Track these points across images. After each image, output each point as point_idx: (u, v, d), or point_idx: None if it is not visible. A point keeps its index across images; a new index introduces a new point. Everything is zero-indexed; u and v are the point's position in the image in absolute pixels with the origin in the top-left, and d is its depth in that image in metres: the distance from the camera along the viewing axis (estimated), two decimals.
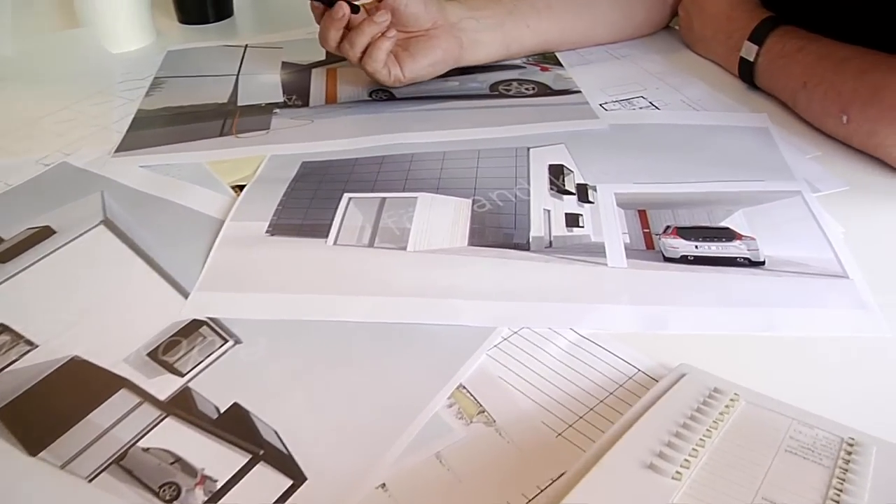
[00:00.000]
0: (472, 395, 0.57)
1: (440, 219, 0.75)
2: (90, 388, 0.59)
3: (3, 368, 0.60)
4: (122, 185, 0.83)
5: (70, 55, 1.13)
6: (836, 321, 0.62)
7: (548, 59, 1.07)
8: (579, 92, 0.98)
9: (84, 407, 0.57)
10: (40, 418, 0.56)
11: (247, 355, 0.61)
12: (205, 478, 0.52)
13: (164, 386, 0.58)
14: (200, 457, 0.53)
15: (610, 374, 0.58)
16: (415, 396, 0.57)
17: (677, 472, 0.44)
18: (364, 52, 0.91)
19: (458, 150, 0.86)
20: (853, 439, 0.48)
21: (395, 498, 0.50)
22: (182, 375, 0.59)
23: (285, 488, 0.51)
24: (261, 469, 0.52)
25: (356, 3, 0.90)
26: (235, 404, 0.57)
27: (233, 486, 0.51)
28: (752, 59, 0.93)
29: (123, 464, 0.53)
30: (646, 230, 0.73)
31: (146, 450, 0.54)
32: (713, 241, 0.71)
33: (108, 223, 0.76)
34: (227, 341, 0.62)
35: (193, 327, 0.64)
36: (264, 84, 1.04)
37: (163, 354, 0.61)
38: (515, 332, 0.62)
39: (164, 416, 0.56)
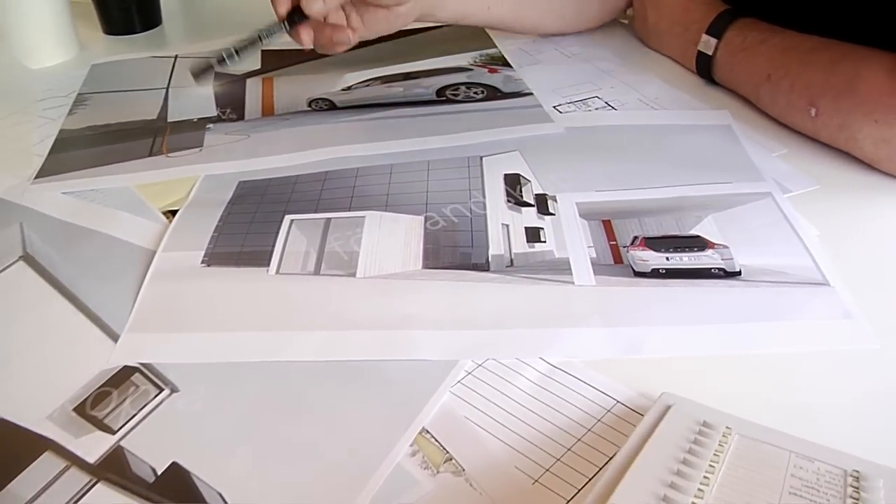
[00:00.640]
0: (436, 440, 0.52)
1: (391, 240, 0.69)
2: (9, 452, 0.52)
3: None
4: (43, 214, 0.77)
5: None
6: (821, 334, 0.59)
7: (496, 59, 1.02)
8: (531, 94, 0.93)
9: (2, 475, 0.51)
10: None
11: (185, 405, 0.55)
12: None
13: (93, 446, 0.52)
14: None
15: (586, 408, 0.54)
16: (373, 445, 0.51)
17: None
18: None
19: (406, 163, 0.80)
20: (857, 472, 0.45)
21: None
22: (113, 433, 0.53)
23: None
24: None
25: None
26: (174, 464, 0.51)
27: None
28: (710, 53, 0.89)
29: None
30: (612, 242, 0.68)
31: None
32: (684, 251, 0.66)
33: (27, 259, 0.70)
34: (162, 390, 0.56)
35: (124, 375, 0.57)
36: (196, 97, 0.98)
37: (91, 409, 0.55)
38: (480, 365, 0.57)
39: (94, 481, 0.50)
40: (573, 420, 0.53)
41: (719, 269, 0.65)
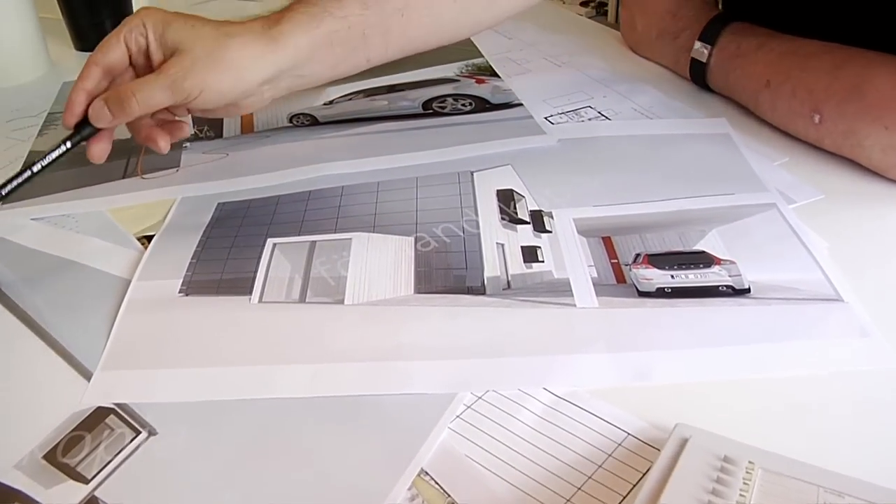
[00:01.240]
0: (436, 482, 0.48)
1: (380, 263, 0.66)
2: None
3: None
4: (10, 242, 0.73)
5: None
6: (838, 354, 0.55)
7: (482, 69, 0.99)
8: (521, 105, 0.90)
9: None
10: None
11: (164, 449, 0.51)
12: None
13: (65, 497, 0.49)
14: None
15: (596, 442, 0.50)
16: (368, 490, 0.48)
17: None
18: None
19: (393, 179, 0.77)
20: None
21: None
22: (87, 481, 0.49)
23: None
24: None
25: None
26: None
27: None
28: (704, 60, 0.86)
29: None
30: (614, 260, 0.65)
31: None
32: (690, 268, 0.63)
33: None
34: (139, 433, 0.52)
35: (98, 417, 0.54)
36: None
37: (63, 456, 0.51)
38: (480, 398, 0.53)
39: None
40: (582, 456, 0.49)
41: (727, 286, 0.62)
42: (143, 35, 0.66)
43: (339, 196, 0.75)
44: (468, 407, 0.53)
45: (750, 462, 0.44)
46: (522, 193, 0.73)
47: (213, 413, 0.53)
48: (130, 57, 0.67)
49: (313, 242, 0.69)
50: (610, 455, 0.49)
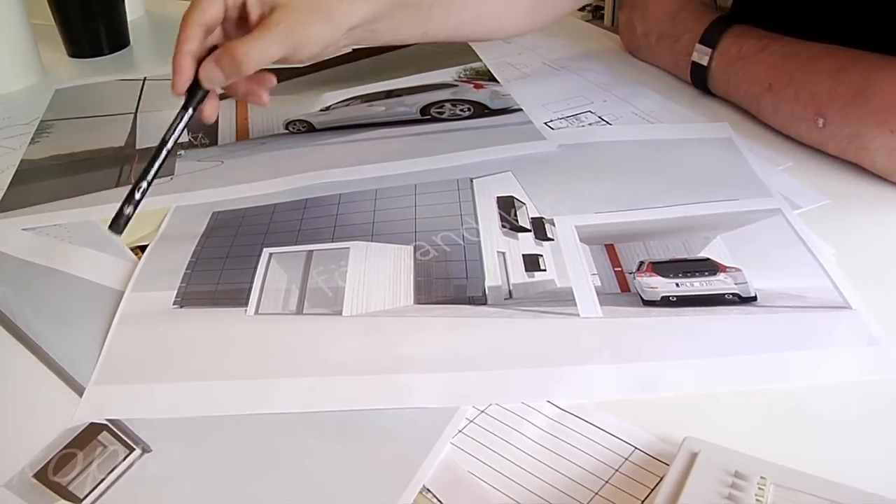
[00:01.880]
0: (438, 499, 0.47)
1: (378, 273, 0.64)
2: None
3: None
4: (1, 253, 0.71)
5: None
6: (847, 363, 0.54)
7: (481, 74, 0.98)
8: (520, 110, 0.89)
9: None
10: None
11: (159, 467, 0.50)
12: None
13: None
14: None
15: (602, 457, 0.49)
16: None
17: None
18: None
19: (391, 187, 0.76)
20: None
21: None
22: (79, 501, 0.48)
23: None
24: None
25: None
26: None
27: None
28: (705, 64, 0.85)
29: None
30: (617, 269, 0.64)
31: None
32: (695, 276, 0.62)
33: None
34: (132, 450, 0.51)
35: (91, 434, 0.52)
36: (166, 122, 0.92)
37: (54, 474, 0.50)
38: (482, 412, 0.52)
39: None
40: (588, 471, 0.48)
41: (733, 294, 0.60)
42: None
43: (336, 204, 0.74)
44: (470, 421, 0.51)
45: (762, 477, 0.43)
46: (523, 200, 0.72)
47: (208, 429, 0.52)
48: (225, 13, 0.65)
49: (310, 252, 0.67)
50: (617, 470, 0.48)
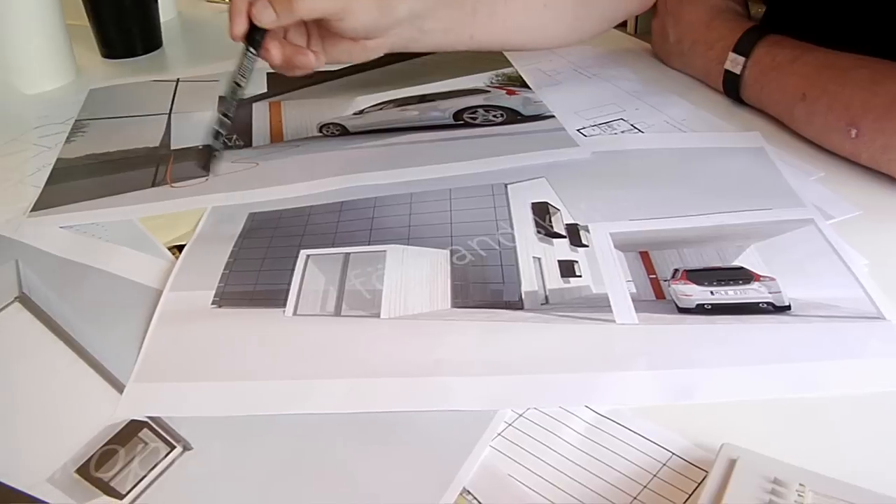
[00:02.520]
0: (479, 501, 0.47)
1: (416, 276, 0.65)
2: None
3: None
4: (39, 251, 0.72)
5: None
6: (882, 373, 0.54)
7: (513, 80, 0.98)
8: (553, 117, 0.89)
9: None
10: None
11: (199, 465, 0.50)
12: None
13: None
14: None
15: (640, 462, 0.49)
16: None
17: None
18: None
19: (426, 191, 0.76)
20: None
21: None
22: (121, 497, 0.48)
23: None
24: None
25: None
26: None
27: None
28: (738, 72, 0.85)
29: None
30: (652, 276, 0.64)
31: None
32: (729, 284, 0.62)
33: (23, 300, 0.65)
34: (173, 448, 0.51)
35: (132, 431, 0.53)
36: (200, 123, 0.93)
37: (96, 470, 0.50)
38: (521, 416, 0.52)
39: None
40: (626, 476, 0.48)
41: (767, 303, 0.61)
42: None
43: (371, 207, 0.74)
44: (509, 424, 0.52)
45: (801, 484, 0.43)
46: (557, 206, 0.72)
47: (247, 428, 0.53)
48: None
49: (347, 254, 0.68)
50: (655, 475, 0.48)
